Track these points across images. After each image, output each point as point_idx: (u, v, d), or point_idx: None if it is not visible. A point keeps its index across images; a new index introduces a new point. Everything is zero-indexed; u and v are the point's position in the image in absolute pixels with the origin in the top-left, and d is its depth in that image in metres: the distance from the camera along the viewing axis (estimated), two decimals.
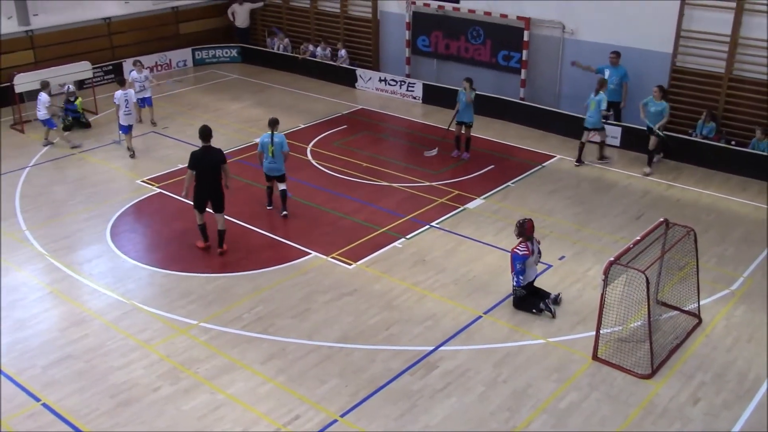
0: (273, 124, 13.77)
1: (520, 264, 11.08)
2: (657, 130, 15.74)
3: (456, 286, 12.01)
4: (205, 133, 12.54)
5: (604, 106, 16.18)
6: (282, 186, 14.16)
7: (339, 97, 21.49)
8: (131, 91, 17.18)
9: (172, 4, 24.56)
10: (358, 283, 12.07)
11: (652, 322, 10.09)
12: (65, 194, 15.18)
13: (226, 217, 12.95)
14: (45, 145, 17.69)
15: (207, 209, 12.87)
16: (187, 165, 12.61)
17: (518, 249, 11.10)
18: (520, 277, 11.17)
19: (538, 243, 11.47)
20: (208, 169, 12.52)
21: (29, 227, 13.85)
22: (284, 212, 14.19)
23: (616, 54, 17.27)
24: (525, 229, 11.11)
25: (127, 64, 23.04)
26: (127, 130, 17.06)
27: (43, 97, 17.35)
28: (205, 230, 13.07)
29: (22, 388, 9.65)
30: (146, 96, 18.98)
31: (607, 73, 17.29)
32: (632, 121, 17.42)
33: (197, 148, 12.72)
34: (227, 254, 12.90)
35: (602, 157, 16.75)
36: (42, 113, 17.32)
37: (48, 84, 17.89)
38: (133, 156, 17.04)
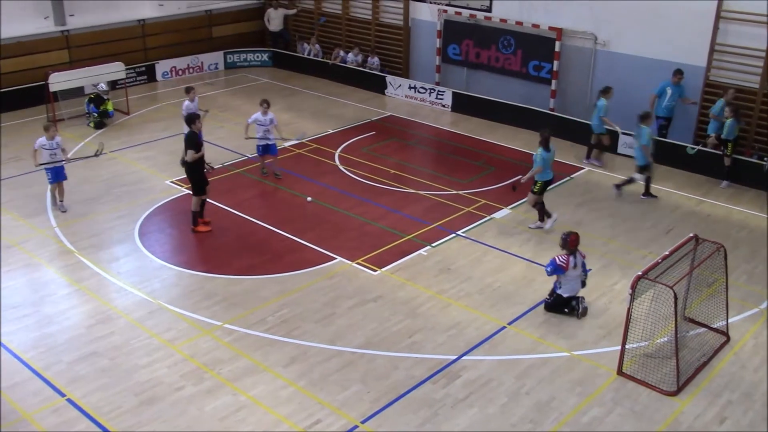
0: (550, 137, 13.84)
1: (550, 268, 11.14)
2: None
3: (481, 295, 11.95)
4: (186, 118, 13.67)
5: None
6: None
7: (368, 104, 21.54)
8: (192, 103, 16.38)
9: (205, 7, 24.80)
10: (382, 290, 12.06)
11: (679, 338, 9.96)
12: (96, 193, 15.34)
13: (254, 220, 12.98)
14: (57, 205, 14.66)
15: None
16: None
17: (558, 257, 11.16)
18: (558, 286, 11.29)
19: (583, 257, 11.42)
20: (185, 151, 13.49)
21: (59, 224, 14.02)
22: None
23: (681, 73, 16.95)
24: (567, 242, 11.14)
25: (160, 66, 23.37)
26: None
27: (41, 140, 14.14)
28: (201, 213, 13.92)
29: (48, 383, 9.76)
30: (270, 143, 16.02)
31: (669, 91, 17.03)
32: (675, 137, 17.37)
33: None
34: (253, 257, 12.97)
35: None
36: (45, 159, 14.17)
37: (50, 126, 14.40)
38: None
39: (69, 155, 14.94)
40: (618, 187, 15.55)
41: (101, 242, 13.47)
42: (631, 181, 15.42)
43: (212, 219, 14.25)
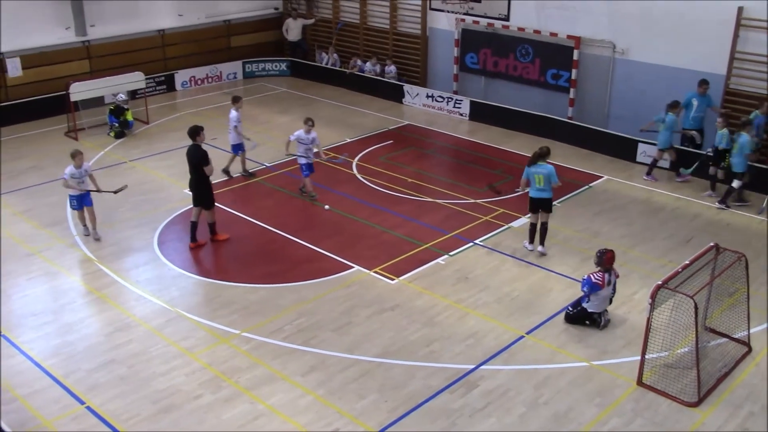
0: (541, 155, 13.09)
1: (587, 288, 10.99)
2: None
3: (499, 304, 11.90)
4: (189, 131, 13.25)
5: (747, 150, 14.98)
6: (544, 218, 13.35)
7: (386, 113, 21.57)
8: (238, 113, 16.47)
9: (224, 18, 24.98)
10: (400, 299, 12.04)
11: (699, 348, 9.86)
12: (115, 201, 15.42)
13: (272, 228, 13.01)
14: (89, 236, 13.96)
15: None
16: None
17: (594, 275, 11.03)
18: (587, 301, 11.13)
19: (617, 276, 11.34)
20: (189, 165, 13.24)
21: (80, 233, 14.12)
22: (540, 248, 13.39)
23: (706, 83, 16.68)
24: (603, 260, 11.04)
25: (179, 75, 23.54)
26: (236, 150, 16.75)
27: (70, 169, 13.49)
28: (195, 229, 13.56)
29: (68, 390, 9.83)
30: (310, 162, 15.53)
31: (695, 102, 16.77)
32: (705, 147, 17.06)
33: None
34: (270, 265, 13.00)
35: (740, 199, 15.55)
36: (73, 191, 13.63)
37: (77, 153, 13.60)
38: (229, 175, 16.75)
39: (90, 164, 14.89)
40: (724, 202, 15.40)
41: (120, 250, 13.57)
42: (732, 190, 15.31)
43: (230, 227, 14.32)
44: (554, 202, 15.43)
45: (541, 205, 13.24)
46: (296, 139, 15.30)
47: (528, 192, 13.42)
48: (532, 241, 13.55)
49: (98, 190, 13.83)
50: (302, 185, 15.78)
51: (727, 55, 16.85)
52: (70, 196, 13.76)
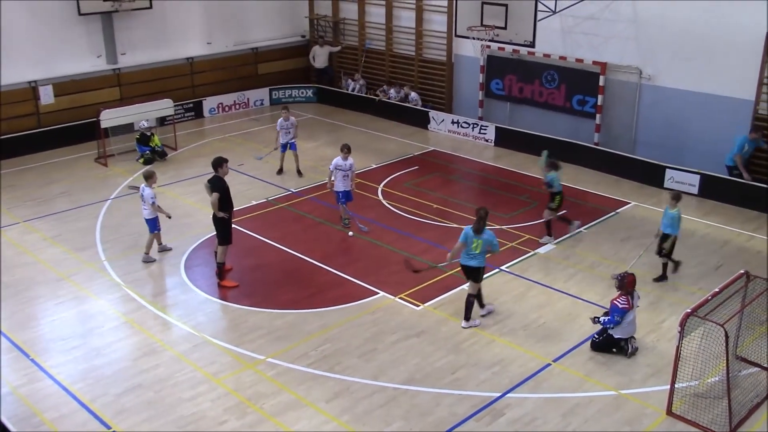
0: (485, 218, 11.69)
1: (618, 316, 10.88)
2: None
3: (525, 331, 11.81)
4: (213, 162, 13.02)
5: None
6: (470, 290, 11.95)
7: (411, 139, 21.64)
8: (287, 122, 18.16)
9: (252, 45, 25.31)
10: (425, 325, 11.99)
11: (731, 378, 9.69)
12: (143, 227, 15.53)
13: (297, 254, 13.06)
14: (145, 261, 14.18)
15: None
16: None
17: (618, 301, 10.94)
18: (612, 327, 10.98)
19: (638, 298, 11.24)
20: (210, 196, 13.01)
21: (108, 258, 14.28)
22: (464, 323, 11.90)
23: (759, 131, 16.44)
24: (625, 283, 10.94)
25: (207, 102, 23.84)
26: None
27: (147, 191, 14.07)
28: (221, 269, 13.28)
29: (95, 415, 9.88)
30: (349, 190, 15.45)
31: (746, 147, 16.44)
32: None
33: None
34: (296, 291, 13.03)
35: None
36: (147, 211, 14.14)
37: (152, 174, 14.28)
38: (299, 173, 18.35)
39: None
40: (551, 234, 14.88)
41: (148, 275, 13.68)
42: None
43: (256, 252, 14.39)
44: (581, 229, 15.39)
45: (469, 274, 11.85)
46: (335, 167, 15.09)
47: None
48: (482, 306, 12.17)
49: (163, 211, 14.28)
50: (345, 216, 15.57)
51: (755, 81, 16.72)
52: (153, 219, 14.13)
